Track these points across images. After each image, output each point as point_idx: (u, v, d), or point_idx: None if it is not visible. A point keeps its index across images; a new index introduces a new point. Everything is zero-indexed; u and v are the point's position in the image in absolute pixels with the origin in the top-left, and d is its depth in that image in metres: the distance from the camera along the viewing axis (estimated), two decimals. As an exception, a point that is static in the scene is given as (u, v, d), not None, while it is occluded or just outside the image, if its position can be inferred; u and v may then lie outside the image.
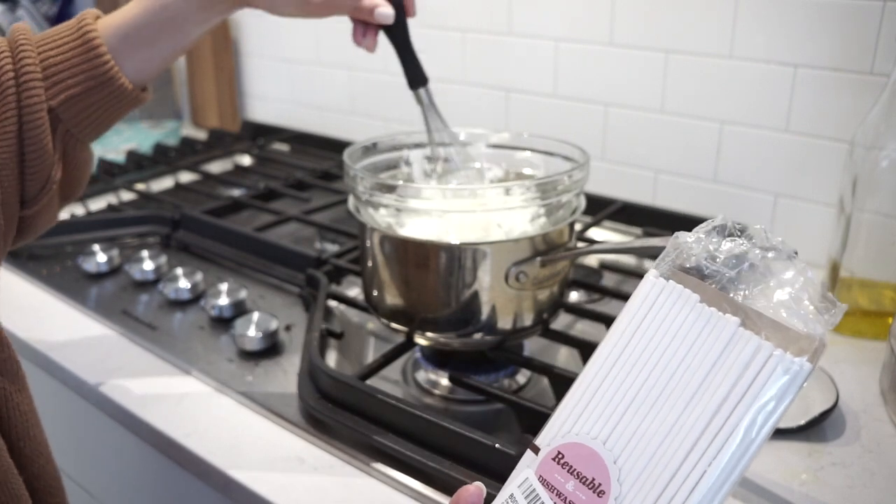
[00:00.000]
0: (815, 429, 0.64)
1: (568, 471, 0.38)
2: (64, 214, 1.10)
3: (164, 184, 1.23)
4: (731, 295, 0.38)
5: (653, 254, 0.92)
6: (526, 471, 0.39)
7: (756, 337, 0.36)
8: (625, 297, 0.79)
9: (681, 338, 0.38)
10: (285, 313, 0.83)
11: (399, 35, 0.71)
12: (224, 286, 0.84)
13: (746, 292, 0.38)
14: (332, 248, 0.97)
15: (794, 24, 0.87)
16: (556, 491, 0.38)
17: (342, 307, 0.83)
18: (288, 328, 0.80)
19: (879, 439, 0.63)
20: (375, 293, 0.70)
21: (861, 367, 0.72)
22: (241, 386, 0.71)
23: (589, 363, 0.40)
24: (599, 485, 0.37)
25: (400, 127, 1.27)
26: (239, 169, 1.33)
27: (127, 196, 1.17)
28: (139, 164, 1.28)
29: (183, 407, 0.69)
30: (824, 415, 0.63)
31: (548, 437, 0.39)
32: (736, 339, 0.37)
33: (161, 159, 1.30)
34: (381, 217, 0.67)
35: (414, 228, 0.65)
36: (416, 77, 0.73)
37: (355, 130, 1.34)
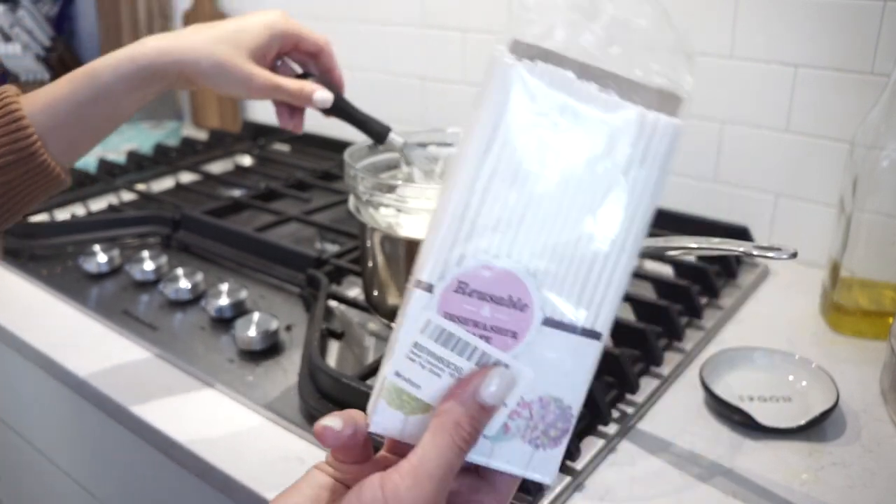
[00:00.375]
0: (816, 429, 0.64)
1: (478, 297, 0.35)
2: (65, 214, 1.10)
3: (164, 184, 1.23)
4: (593, 62, 0.35)
5: (653, 254, 0.92)
6: (424, 313, 0.35)
7: (637, 107, 0.35)
8: (625, 298, 0.79)
9: (563, 126, 0.35)
10: (286, 313, 0.83)
11: (342, 110, 0.72)
12: (224, 286, 0.84)
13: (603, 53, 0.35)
14: (332, 248, 0.97)
15: (795, 23, 0.87)
16: (471, 322, 0.35)
17: (342, 307, 0.83)
18: (288, 328, 0.80)
19: (880, 439, 0.63)
20: (376, 293, 0.70)
21: (861, 366, 0.72)
22: (241, 386, 0.71)
23: (457, 175, 0.35)
24: (519, 299, 0.35)
25: (400, 127, 1.27)
26: (239, 169, 1.33)
27: (127, 196, 1.17)
28: (140, 165, 1.28)
29: (183, 407, 0.69)
30: (825, 415, 0.63)
31: (437, 270, 0.35)
32: (620, 114, 0.35)
33: (162, 159, 1.30)
34: (381, 217, 0.68)
35: (414, 228, 0.65)
36: (377, 132, 0.73)
37: (355, 131, 1.34)
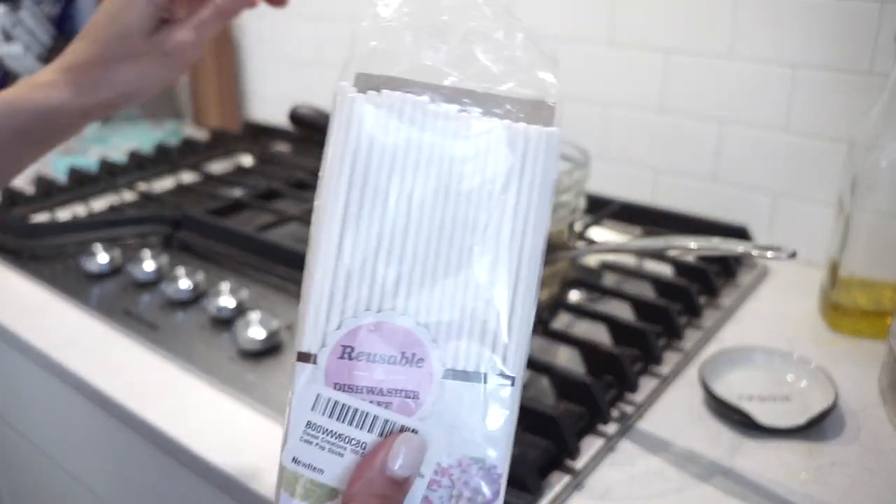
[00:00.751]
0: (815, 428, 0.64)
1: (368, 360, 0.31)
2: (66, 214, 1.10)
3: (165, 184, 1.24)
4: (448, 82, 0.32)
5: (653, 254, 0.92)
6: (312, 388, 0.32)
7: (503, 121, 0.32)
8: (626, 297, 0.79)
9: (424, 155, 0.32)
10: (287, 313, 0.83)
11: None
12: (225, 286, 0.84)
13: (461, 73, 0.32)
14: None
15: (794, 24, 0.87)
16: (365, 389, 0.31)
17: (343, 307, 0.83)
18: (289, 328, 0.80)
19: (879, 439, 0.63)
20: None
21: (860, 366, 0.73)
22: (242, 385, 0.71)
23: (319, 232, 0.32)
24: (413, 354, 0.31)
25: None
26: (240, 169, 1.33)
27: (128, 196, 1.17)
28: (140, 165, 1.28)
29: (183, 406, 0.69)
30: (823, 414, 0.63)
31: (316, 338, 0.32)
32: (486, 132, 0.32)
33: (162, 159, 1.30)
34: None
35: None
36: None
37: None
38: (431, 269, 0.32)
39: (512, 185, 0.32)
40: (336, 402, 0.32)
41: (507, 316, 0.32)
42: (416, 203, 0.32)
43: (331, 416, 0.32)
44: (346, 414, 0.31)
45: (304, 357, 0.32)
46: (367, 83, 0.33)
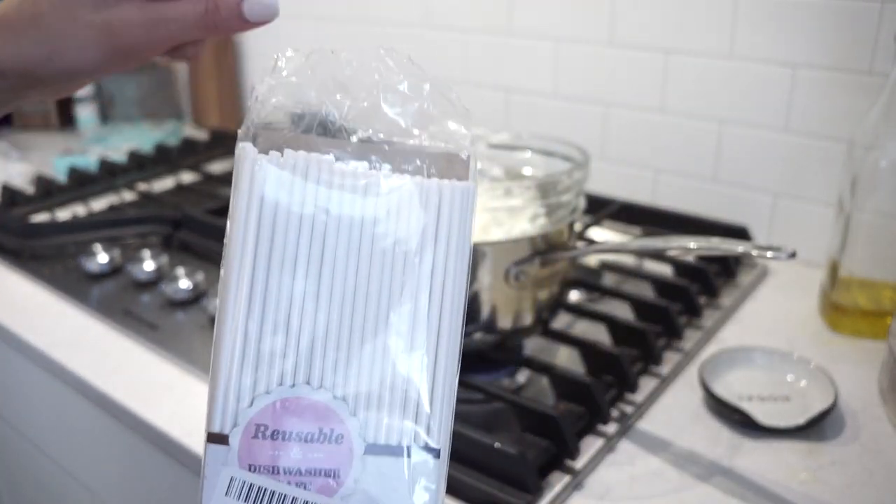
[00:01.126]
0: (814, 428, 0.64)
1: (283, 439, 0.30)
2: (66, 214, 1.10)
3: (165, 184, 1.24)
4: (354, 138, 0.31)
5: (653, 254, 0.92)
6: (225, 470, 0.30)
7: (415, 177, 0.31)
8: (625, 297, 0.79)
9: (333, 218, 0.30)
10: (286, 313, 0.83)
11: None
12: (225, 286, 0.84)
13: (370, 133, 0.31)
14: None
15: (794, 24, 0.87)
16: (281, 470, 0.30)
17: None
18: (289, 328, 0.80)
19: (878, 439, 0.63)
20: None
21: (860, 366, 0.73)
22: (241, 385, 0.71)
23: (225, 302, 0.30)
24: (332, 430, 0.30)
25: (400, 127, 1.27)
26: (240, 169, 1.33)
27: (128, 196, 1.17)
28: (140, 164, 1.28)
29: (184, 406, 0.69)
30: (823, 414, 0.63)
31: (228, 417, 0.30)
32: (396, 189, 0.30)
33: (162, 159, 1.30)
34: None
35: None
36: None
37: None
38: (347, 339, 0.30)
39: (427, 246, 0.31)
40: (251, 486, 0.30)
41: (428, 385, 0.31)
42: (326, 269, 0.30)
43: (246, 500, 0.30)
44: (262, 498, 0.29)
45: (215, 438, 0.30)
46: (269, 143, 0.31)
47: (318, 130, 0.31)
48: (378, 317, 0.30)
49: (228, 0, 0.41)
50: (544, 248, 0.65)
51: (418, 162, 0.31)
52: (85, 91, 1.54)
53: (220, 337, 0.30)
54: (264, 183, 0.30)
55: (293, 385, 0.30)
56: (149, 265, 0.90)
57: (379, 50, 0.32)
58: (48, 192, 1.17)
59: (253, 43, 1.49)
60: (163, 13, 0.41)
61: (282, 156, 0.31)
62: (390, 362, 0.30)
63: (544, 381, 0.70)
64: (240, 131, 0.32)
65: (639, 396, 0.68)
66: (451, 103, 0.32)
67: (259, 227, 0.30)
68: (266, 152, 0.31)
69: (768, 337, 0.78)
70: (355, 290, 0.30)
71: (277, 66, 0.32)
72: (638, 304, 0.78)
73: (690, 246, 0.58)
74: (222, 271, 0.31)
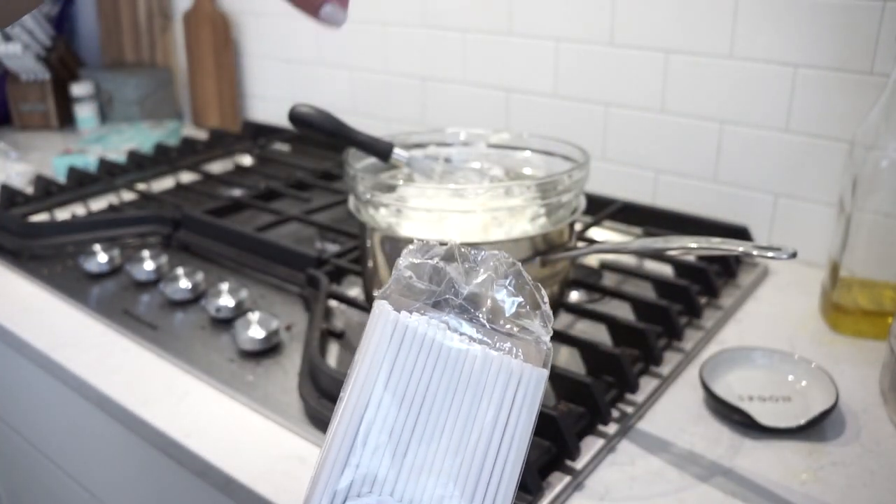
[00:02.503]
0: (815, 428, 0.64)
1: None
2: (65, 214, 1.10)
3: (164, 184, 1.23)
4: (467, 318, 0.40)
5: (653, 254, 0.92)
6: None
7: (507, 359, 0.39)
8: (625, 297, 0.79)
9: (438, 373, 0.39)
10: (286, 313, 0.83)
11: (342, 134, 0.71)
12: (225, 286, 0.84)
13: (479, 314, 0.40)
14: (332, 248, 0.97)
15: (795, 23, 0.87)
16: None
17: (342, 307, 0.83)
18: (288, 328, 0.80)
19: (879, 439, 0.63)
20: (376, 293, 0.70)
21: (861, 366, 0.73)
22: (241, 386, 0.71)
23: (341, 416, 0.38)
24: None
25: (400, 127, 1.27)
26: (240, 169, 1.33)
27: (128, 196, 1.17)
28: (140, 164, 1.28)
29: (183, 407, 0.69)
30: (824, 414, 0.63)
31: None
32: (489, 363, 0.39)
33: (162, 159, 1.30)
34: (381, 217, 0.68)
35: (414, 228, 0.65)
36: (381, 151, 0.73)
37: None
38: (430, 469, 0.37)
39: (503, 413, 0.38)
40: None
41: None
42: (424, 411, 0.38)
43: None
44: None
45: None
46: (400, 304, 0.40)
47: (438, 304, 0.41)
48: (457, 456, 0.37)
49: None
50: (544, 248, 0.65)
51: (509, 345, 0.39)
52: (84, 91, 1.54)
53: (337, 445, 0.37)
54: (397, 331, 0.39)
55: (380, 495, 0.36)
56: (148, 265, 0.90)
57: (495, 255, 0.41)
58: (47, 192, 1.16)
59: (253, 43, 1.49)
60: None
61: (410, 315, 0.39)
62: (461, 488, 0.37)
63: (544, 382, 0.70)
64: (377, 292, 0.41)
65: (639, 397, 0.68)
66: (542, 306, 0.40)
67: (393, 362, 0.38)
68: (398, 311, 0.40)
69: (769, 337, 0.78)
70: (443, 431, 0.38)
71: (421, 249, 0.41)
72: (638, 305, 0.78)
73: (691, 246, 0.58)
74: (344, 394, 0.38)
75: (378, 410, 0.37)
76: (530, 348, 0.40)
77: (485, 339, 0.40)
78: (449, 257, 0.41)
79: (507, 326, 0.40)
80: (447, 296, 0.40)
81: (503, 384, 0.38)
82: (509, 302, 0.40)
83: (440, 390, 0.38)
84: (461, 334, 0.39)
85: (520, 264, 0.41)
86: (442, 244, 0.42)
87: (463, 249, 0.41)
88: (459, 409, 0.38)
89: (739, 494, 0.57)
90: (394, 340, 0.39)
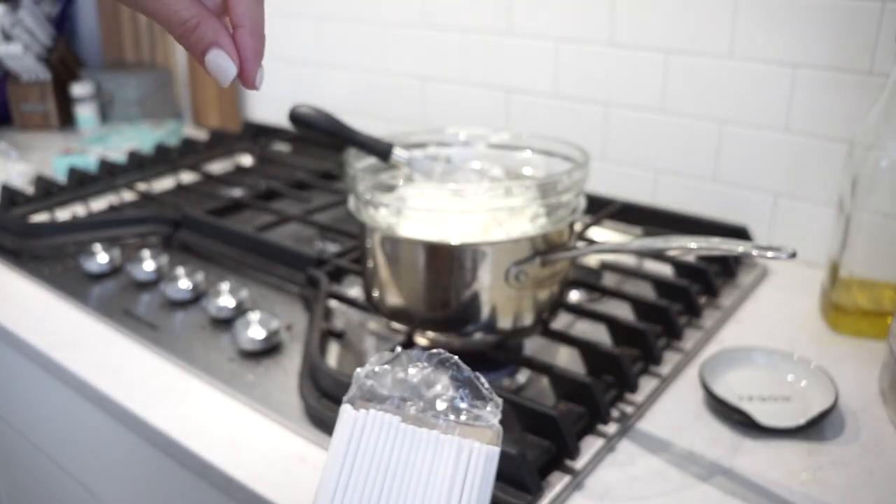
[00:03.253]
0: (815, 428, 0.64)
1: None
2: (65, 214, 1.10)
3: (165, 184, 1.24)
4: (427, 414, 0.46)
5: (653, 254, 0.92)
6: None
7: (457, 438, 0.44)
8: (625, 297, 0.79)
9: (395, 457, 0.44)
10: (286, 313, 0.83)
11: (342, 135, 0.71)
12: (225, 286, 0.84)
13: (438, 408, 0.46)
14: (332, 248, 0.97)
15: (794, 24, 0.87)
16: None
17: (343, 307, 0.83)
18: (289, 328, 0.80)
19: (879, 439, 0.63)
20: (376, 293, 0.70)
21: (860, 366, 0.73)
22: (241, 386, 0.71)
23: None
24: None
25: (401, 127, 1.27)
26: (240, 169, 1.33)
27: (128, 196, 1.17)
28: (140, 165, 1.28)
29: (183, 407, 0.69)
30: (824, 414, 0.63)
31: None
32: (441, 444, 0.44)
33: (162, 159, 1.30)
34: (381, 217, 0.68)
35: (414, 228, 0.66)
36: (381, 152, 0.73)
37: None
38: None
39: (455, 491, 0.43)
40: None
41: None
42: (385, 491, 0.43)
43: None
44: None
45: None
46: (362, 405, 0.46)
47: (395, 403, 0.47)
48: None
49: (203, 35, 0.42)
50: (544, 248, 0.65)
51: (459, 430, 0.45)
52: (85, 91, 1.54)
53: None
54: (354, 426, 0.45)
55: None
56: (148, 265, 0.90)
57: (438, 361, 0.47)
58: (48, 192, 1.16)
59: (253, 43, 1.48)
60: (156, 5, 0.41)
61: (367, 412, 0.45)
62: None
63: (544, 382, 0.70)
64: (345, 397, 0.47)
65: (639, 397, 0.68)
66: (483, 390, 0.46)
67: (349, 455, 0.44)
68: (357, 410, 0.46)
69: (769, 337, 0.78)
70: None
71: (373, 360, 0.47)
72: (638, 305, 0.78)
73: (690, 246, 0.58)
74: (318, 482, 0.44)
75: (344, 497, 0.43)
76: (483, 433, 0.44)
77: (439, 427, 0.45)
78: (396, 361, 0.47)
79: (462, 418, 0.45)
80: (407, 399, 0.46)
81: (454, 462, 0.43)
82: (461, 401, 0.46)
83: (398, 473, 0.43)
84: (418, 426, 0.45)
85: (456, 357, 0.46)
86: (390, 350, 0.47)
87: (410, 352, 0.47)
88: (416, 489, 0.43)
89: (739, 494, 0.57)
90: (354, 436, 0.45)
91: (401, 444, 0.44)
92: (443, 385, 0.46)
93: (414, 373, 0.47)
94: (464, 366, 0.46)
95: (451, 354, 0.47)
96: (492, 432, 0.45)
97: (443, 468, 0.43)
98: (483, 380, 0.46)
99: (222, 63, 0.42)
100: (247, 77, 0.42)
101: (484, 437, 0.44)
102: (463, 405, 0.46)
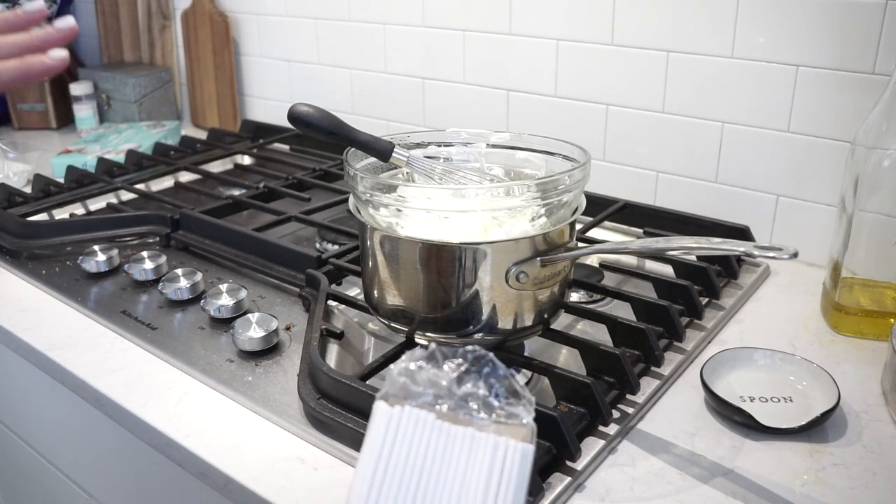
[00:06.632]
0: (817, 429, 0.63)
1: None
2: (63, 214, 1.10)
3: (163, 183, 1.23)
4: (459, 412, 0.46)
5: (653, 254, 0.92)
6: None
7: (492, 436, 0.44)
8: (626, 297, 0.79)
9: (430, 454, 0.44)
10: (285, 313, 0.83)
11: (343, 134, 0.71)
12: (224, 286, 0.83)
13: (471, 406, 0.46)
14: (332, 248, 0.97)
15: (795, 23, 0.87)
16: None
17: (342, 307, 0.83)
18: (288, 328, 0.80)
19: (881, 440, 0.63)
20: (376, 293, 0.70)
21: (862, 367, 0.72)
22: (241, 386, 0.70)
23: (351, 496, 0.43)
24: None
25: (400, 127, 1.27)
26: (239, 169, 1.32)
27: (127, 196, 1.17)
28: (139, 164, 1.28)
29: (183, 407, 0.69)
30: (826, 415, 0.63)
31: None
32: (476, 442, 0.44)
33: (161, 159, 1.30)
34: (381, 217, 0.67)
35: (414, 228, 0.65)
36: (381, 151, 0.72)
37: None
38: None
39: (491, 489, 0.43)
40: None
41: None
42: (421, 489, 0.43)
43: None
44: None
45: None
46: (396, 402, 0.46)
47: (428, 400, 0.47)
48: None
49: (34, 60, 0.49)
50: (545, 248, 0.65)
51: (494, 427, 0.45)
52: (83, 90, 1.53)
53: None
54: (388, 424, 0.45)
55: None
56: (147, 265, 0.90)
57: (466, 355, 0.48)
58: (46, 191, 1.16)
59: (252, 43, 1.48)
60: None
61: (402, 409, 0.46)
62: None
63: (545, 382, 0.70)
64: (378, 394, 0.47)
65: (640, 397, 0.67)
66: (518, 388, 0.46)
67: (384, 451, 0.45)
68: (393, 407, 0.46)
69: (770, 337, 0.77)
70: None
71: (406, 357, 0.48)
72: (639, 305, 0.77)
73: (691, 246, 0.58)
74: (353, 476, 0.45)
75: (380, 495, 0.43)
76: (518, 430, 0.44)
77: (474, 424, 0.45)
78: (431, 358, 0.47)
79: (494, 416, 0.45)
80: (440, 396, 0.46)
81: (489, 460, 0.43)
82: (494, 399, 0.46)
83: (434, 470, 0.43)
84: (452, 423, 0.45)
85: (492, 354, 0.46)
86: (423, 347, 0.48)
87: (443, 349, 0.47)
88: (452, 486, 0.43)
89: (740, 495, 0.57)
90: (389, 432, 0.45)
91: (436, 442, 0.44)
92: (475, 382, 0.46)
93: (448, 370, 0.46)
94: (499, 363, 0.46)
95: (486, 351, 0.46)
96: (526, 430, 0.45)
97: (479, 465, 0.43)
98: (518, 377, 0.46)
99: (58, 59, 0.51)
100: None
101: (518, 435, 0.44)
102: (496, 402, 0.45)
